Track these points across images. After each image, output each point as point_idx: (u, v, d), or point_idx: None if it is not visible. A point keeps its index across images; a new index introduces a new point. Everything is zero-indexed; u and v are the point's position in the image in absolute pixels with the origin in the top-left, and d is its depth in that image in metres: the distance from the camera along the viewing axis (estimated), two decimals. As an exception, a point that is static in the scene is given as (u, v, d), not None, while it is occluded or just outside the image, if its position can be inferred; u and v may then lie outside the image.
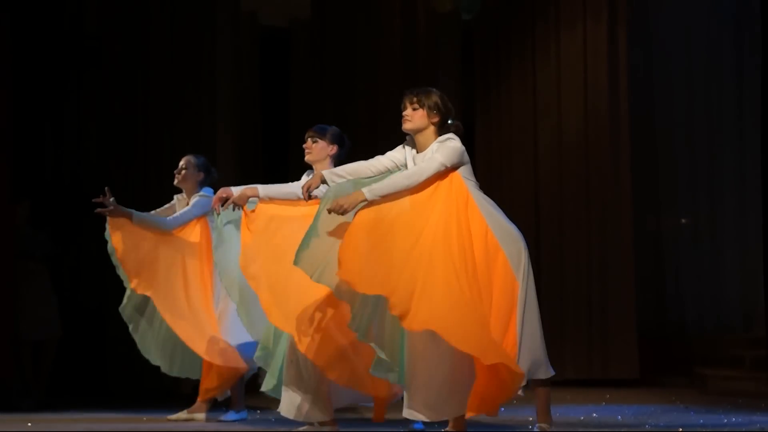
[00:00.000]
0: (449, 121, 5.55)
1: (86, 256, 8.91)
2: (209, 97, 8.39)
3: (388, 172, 5.52)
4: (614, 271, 9.30)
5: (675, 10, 10.30)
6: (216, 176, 7.15)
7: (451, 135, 5.46)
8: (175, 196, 7.18)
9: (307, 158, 6.17)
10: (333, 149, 6.16)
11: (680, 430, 6.01)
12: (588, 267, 9.37)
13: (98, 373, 8.63)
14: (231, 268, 6.08)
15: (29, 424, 6.46)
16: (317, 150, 6.14)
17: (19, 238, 7.92)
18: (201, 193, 6.99)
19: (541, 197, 9.60)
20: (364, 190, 5.25)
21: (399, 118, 8.91)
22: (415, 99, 5.56)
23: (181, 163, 7.09)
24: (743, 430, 5.97)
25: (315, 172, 6.08)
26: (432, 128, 5.52)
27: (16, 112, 8.12)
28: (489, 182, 10.02)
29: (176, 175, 7.05)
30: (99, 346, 8.68)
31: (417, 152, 5.53)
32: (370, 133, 9.20)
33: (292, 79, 10.00)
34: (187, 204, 7.00)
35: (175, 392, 8.25)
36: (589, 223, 9.41)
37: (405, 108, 5.58)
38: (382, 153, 9.42)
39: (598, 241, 9.35)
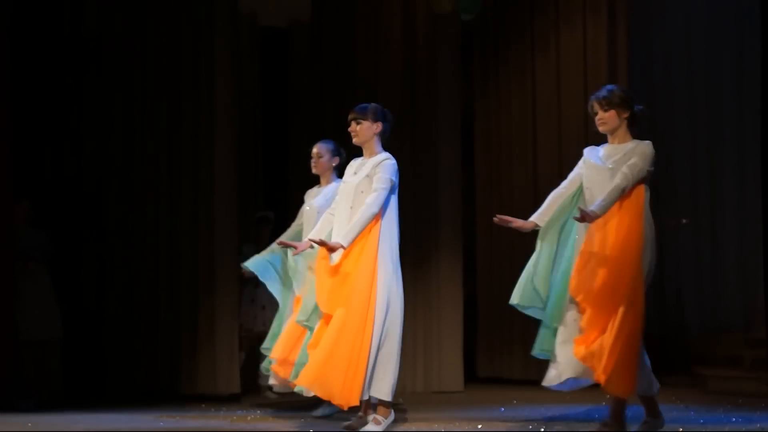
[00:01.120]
0: (635, 108, 5.82)
1: (85, 256, 8.92)
2: (208, 98, 8.38)
3: (580, 188, 5.91)
4: (614, 271, 9.28)
5: (675, 9, 10.29)
6: (344, 157, 7.14)
7: (648, 142, 5.76)
8: (308, 190, 7.31)
9: (354, 141, 6.23)
10: (378, 127, 6.21)
11: (680, 430, 6.01)
12: (588, 267, 9.35)
13: (97, 374, 8.63)
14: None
15: (29, 425, 6.47)
16: (363, 131, 6.19)
17: (19, 238, 7.91)
18: (338, 182, 6.95)
19: (541, 196, 9.52)
20: (597, 210, 5.60)
21: (397, 119, 8.92)
22: (604, 102, 5.81)
23: (315, 150, 7.12)
24: (743, 430, 5.97)
25: (365, 153, 6.21)
26: (624, 123, 5.80)
27: (16, 112, 8.12)
28: (489, 182, 10.03)
29: (313, 165, 7.08)
30: (98, 346, 8.68)
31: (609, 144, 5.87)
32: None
33: (292, 80, 10.00)
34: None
35: (173, 392, 8.26)
36: (589, 222, 9.40)
37: (596, 112, 5.84)
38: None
39: (598, 241, 9.34)
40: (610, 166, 5.78)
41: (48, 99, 9.10)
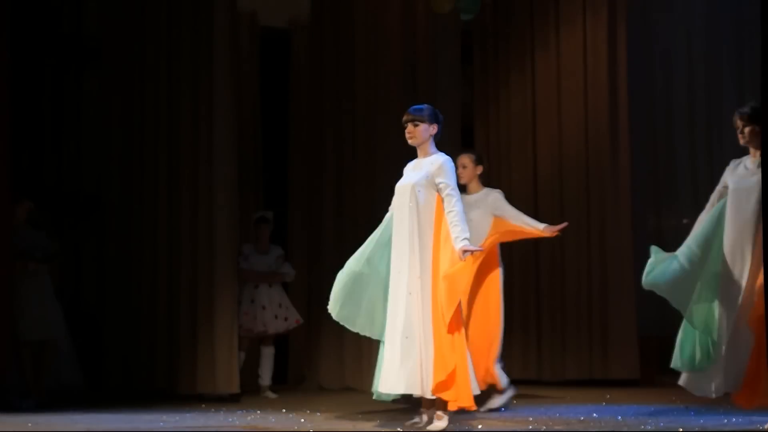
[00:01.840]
0: None
1: (85, 256, 8.91)
2: (208, 97, 8.37)
3: (723, 202, 6.28)
4: (614, 271, 9.29)
5: (675, 9, 10.30)
6: (487, 165, 7.76)
7: None
8: None
9: (411, 142, 6.40)
10: (434, 128, 6.39)
11: (680, 430, 6.01)
12: (588, 267, 9.36)
13: (94, 374, 8.64)
14: None
15: (29, 425, 6.46)
16: (419, 133, 6.36)
17: (19, 238, 7.91)
18: (488, 190, 7.53)
19: (541, 197, 9.59)
20: None
21: (397, 119, 8.93)
22: (746, 117, 6.23)
23: (460, 161, 7.43)
24: (743, 430, 5.97)
25: (419, 153, 6.38)
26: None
27: (16, 112, 8.12)
28: (488, 181, 10.02)
29: (459, 175, 7.31)
30: (97, 346, 8.69)
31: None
32: (370, 134, 9.19)
33: (292, 80, 10.00)
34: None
35: (173, 392, 8.26)
36: (589, 222, 9.40)
37: (738, 126, 6.22)
38: (380, 153, 9.46)
39: (597, 241, 9.35)
40: (756, 177, 6.07)
41: (48, 99, 9.10)
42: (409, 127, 6.33)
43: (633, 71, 9.50)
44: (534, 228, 7.36)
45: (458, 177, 7.41)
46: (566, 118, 9.45)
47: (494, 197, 7.45)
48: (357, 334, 9.12)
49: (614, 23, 9.33)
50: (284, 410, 7.41)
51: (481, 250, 6.27)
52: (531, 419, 6.75)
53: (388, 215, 6.50)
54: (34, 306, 7.92)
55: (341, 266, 9.24)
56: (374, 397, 6.41)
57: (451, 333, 6.04)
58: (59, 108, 9.18)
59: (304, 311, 9.19)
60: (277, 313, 8.73)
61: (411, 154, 9.29)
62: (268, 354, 8.74)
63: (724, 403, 7.38)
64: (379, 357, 6.34)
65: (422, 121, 6.30)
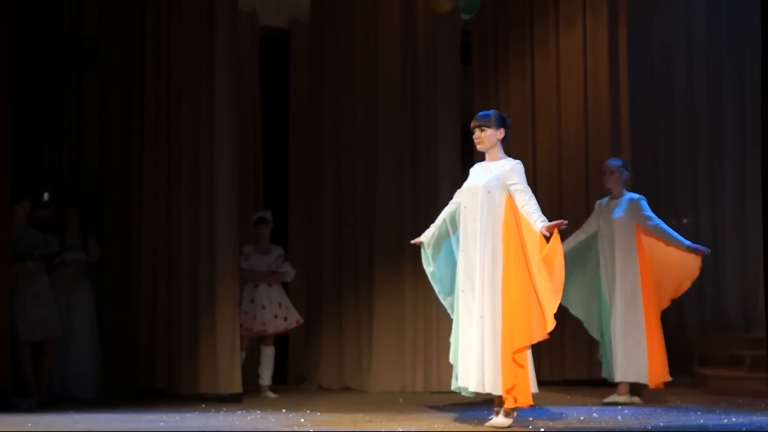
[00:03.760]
0: None
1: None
2: (208, 97, 8.37)
3: None
4: (614, 271, 9.26)
5: (675, 9, 10.30)
6: (631, 173, 8.22)
7: None
8: (599, 201, 8.08)
9: (479, 148, 6.49)
10: (501, 133, 6.48)
11: (680, 430, 6.01)
12: (588, 266, 9.34)
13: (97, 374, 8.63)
14: None
15: (29, 425, 6.46)
16: (487, 138, 6.44)
17: (19, 238, 7.90)
18: (629, 195, 7.93)
19: (540, 196, 9.49)
20: None
21: (397, 119, 8.93)
22: None
23: (608, 168, 7.96)
24: (743, 430, 5.97)
25: (487, 157, 6.47)
26: None
27: (16, 112, 8.12)
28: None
29: (606, 180, 7.92)
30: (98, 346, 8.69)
31: None
32: (370, 134, 9.19)
33: (292, 80, 10.00)
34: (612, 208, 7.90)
35: (174, 392, 8.26)
36: (589, 222, 9.39)
37: None
38: (380, 152, 9.42)
39: (597, 241, 9.33)
40: None
41: (48, 99, 9.10)
42: (477, 132, 6.45)
43: (633, 70, 9.49)
44: (677, 246, 7.80)
45: (604, 181, 7.98)
46: (566, 117, 9.45)
47: (636, 206, 7.84)
48: (356, 334, 9.18)
49: (614, 22, 9.32)
50: (284, 410, 7.41)
51: (564, 223, 6.33)
52: (531, 419, 6.76)
53: (450, 210, 6.63)
54: (34, 306, 7.92)
55: (341, 266, 9.30)
56: (453, 388, 6.58)
57: (520, 334, 6.26)
58: (59, 108, 9.18)
59: (304, 311, 9.19)
60: (276, 312, 8.72)
61: (411, 153, 9.32)
62: (268, 354, 8.74)
63: (723, 403, 7.40)
64: (453, 352, 6.53)
65: (489, 127, 6.42)
